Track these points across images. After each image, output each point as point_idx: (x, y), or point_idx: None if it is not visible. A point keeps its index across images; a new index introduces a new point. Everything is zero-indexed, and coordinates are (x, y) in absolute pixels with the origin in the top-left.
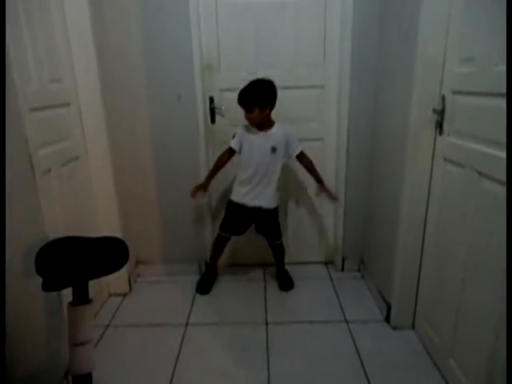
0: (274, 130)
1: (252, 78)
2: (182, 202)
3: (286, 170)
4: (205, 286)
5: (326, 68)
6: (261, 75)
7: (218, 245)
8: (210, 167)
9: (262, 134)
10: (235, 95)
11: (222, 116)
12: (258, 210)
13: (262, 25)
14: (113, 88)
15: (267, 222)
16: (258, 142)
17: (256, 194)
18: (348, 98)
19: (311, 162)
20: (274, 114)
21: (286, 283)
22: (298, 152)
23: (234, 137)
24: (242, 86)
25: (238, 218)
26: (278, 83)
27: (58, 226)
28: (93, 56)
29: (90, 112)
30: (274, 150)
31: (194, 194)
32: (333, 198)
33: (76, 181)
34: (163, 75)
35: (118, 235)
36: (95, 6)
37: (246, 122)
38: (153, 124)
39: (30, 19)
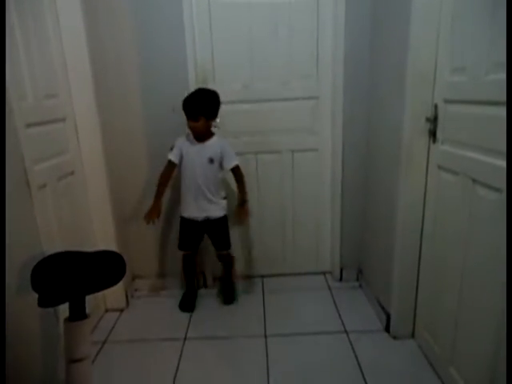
0: (212, 141)
1: (246, 90)
2: (179, 215)
3: (280, 180)
4: (186, 303)
5: (320, 79)
6: (255, 88)
7: (184, 264)
8: (156, 186)
9: (199, 145)
10: (230, 108)
11: (218, 128)
12: (207, 221)
13: (256, 38)
14: (108, 101)
15: (216, 232)
16: (196, 153)
17: (202, 206)
18: (342, 109)
19: (242, 180)
20: (267, 126)
21: (229, 296)
22: (232, 165)
23: (171, 148)
24: (236, 98)
25: (190, 233)
26: (272, 95)
27: (53, 241)
28: (88, 71)
29: (85, 127)
30: (211, 160)
31: (147, 218)
32: (244, 220)
33: (72, 195)
34: (158, 88)
35: (115, 249)
36: (90, 20)
37: (184, 133)
38: (148, 137)
39: (25, 34)
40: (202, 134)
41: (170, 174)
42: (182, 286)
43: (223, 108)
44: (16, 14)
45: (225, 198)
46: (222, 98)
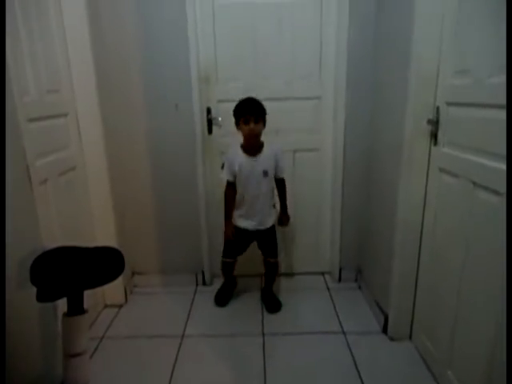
0: (264, 151)
1: (249, 89)
2: (179, 212)
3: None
4: (222, 297)
5: (322, 80)
6: (258, 87)
7: (226, 270)
8: (224, 209)
9: (252, 159)
10: (232, 107)
11: (219, 127)
12: (257, 230)
13: (260, 37)
14: (110, 97)
15: (266, 240)
16: (250, 167)
17: (255, 218)
18: (344, 109)
19: (285, 189)
20: (269, 125)
21: (274, 305)
22: (281, 176)
23: (222, 167)
24: (239, 97)
25: (239, 242)
26: (274, 95)
27: (54, 236)
28: (91, 66)
29: (87, 122)
30: (265, 173)
31: (229, 235)
32: (287, 226)
33: (73, 191)
34: (161, 85)
35: (115, 245)
36: (94, 17)
37: (233, 146)
38: (150, 134)
39: (28, 29)
40: (256, 141)
41: (233, 193)
42: (186, 283)
43: (225, 107)
44: (20, 9)
45: (274, 205)
46: (224, 97)
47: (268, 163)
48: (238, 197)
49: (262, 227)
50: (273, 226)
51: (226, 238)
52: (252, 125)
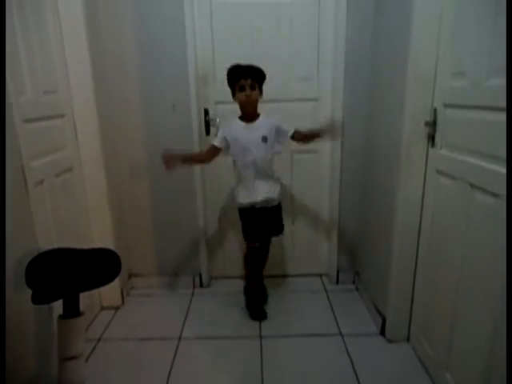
0: (261, 120)
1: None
2: (177, 214)
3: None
4: (257, 310)
5: (320, 81)
6: None
7: (248, 258)
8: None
9: (249, 125)
10: (230, 108)
11: (217, 128)
12: (264, 208)
13: (257, 39)
14: (107, 97)
15: (275, 216)
16: (248, 134)
17: (262, 187)
18: (341, 111)
19: (301, 132)
20: None
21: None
22: (292, 131)
23: (216, 135)
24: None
25: (253, 221)
26: (272, 96)
27: (50, 238)
28: (88, 67)
29: (84, 123)
30: (264, 139)
31: (166, 160)
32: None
33: (69, 192)
34: (158, 85)
35: (111, 247)
36: (91, 17)
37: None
38: (147, 135)
39: (25, 30)
40: (253, 108)
41: (208, 155)
42: (183, 285)
43: (223, 108)
44: (16, 9)
45: (277, 179)
46: (222, 98)
47: (267, 130)
48: (240, 172)
49: (271, 196)
50: (279, 204)
51: (166, 158)
52: (248, 91)
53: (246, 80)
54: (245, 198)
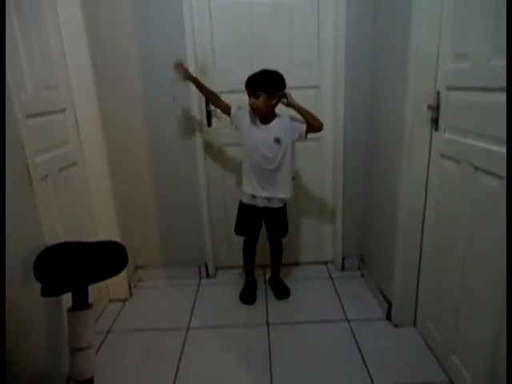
0: (275, 121)
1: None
2: (181, 205)
3: None
4: (248, 295)
5: (321, 68)
6: None
7: (245, 250)
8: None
9: (263, 127)
10: (231, 97)
11: (219, 119)
12: (266, 208)
13: (257, 26)
14: (108, 91)
15: (275, 220)
16: (260, 134)
17: (266, 187)
18: (343, 97)
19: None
20: None
21: (283, 291)
22: (305, 127)
23: (239, 108)
24: (237, 87)
25: (248, 218)
26: None
27: (56, 232)
28: (87, 61)
29: (86, 117)
30: (277, 141)
31: (177, 67)
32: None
33: (73, 186)
34: (158, 78)
35: (117, 240)
36: (89, 10)
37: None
38: (149, 127)
39: (24, 25)
40: (263, 114)
41: (220, 103)
42: (189, 276)
43: (224, 98)
44: (14, 4)
45: (293, 178)
46: (222, 88)
47: (279, 130)
48: (248, 167)
49: (275, 196)
50: (284, 206)
51: (177, 67)
52: (252, 100)
53: (248, 90)
54: (248, 195)
